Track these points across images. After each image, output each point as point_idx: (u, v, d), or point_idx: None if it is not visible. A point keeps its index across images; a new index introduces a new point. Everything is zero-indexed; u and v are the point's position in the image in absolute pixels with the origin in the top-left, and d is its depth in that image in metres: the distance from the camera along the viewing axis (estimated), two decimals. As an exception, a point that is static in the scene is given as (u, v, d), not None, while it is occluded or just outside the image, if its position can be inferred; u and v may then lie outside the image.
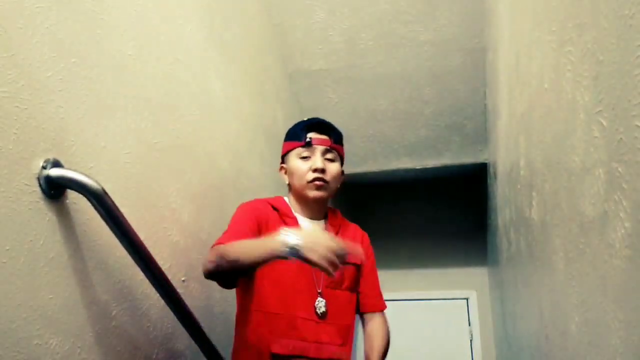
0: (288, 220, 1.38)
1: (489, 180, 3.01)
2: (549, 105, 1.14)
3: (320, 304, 1.31)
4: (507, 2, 1.71)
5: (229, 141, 1.84)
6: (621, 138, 0.72)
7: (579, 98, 0.91)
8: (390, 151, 3.13)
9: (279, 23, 2.55)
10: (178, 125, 1.44)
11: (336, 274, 1.15)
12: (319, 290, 1.32)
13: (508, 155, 1.93)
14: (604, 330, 0.82)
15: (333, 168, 1.38)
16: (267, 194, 2.21)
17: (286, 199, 1.46)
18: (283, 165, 1.45)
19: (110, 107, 1.11)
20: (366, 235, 1.51)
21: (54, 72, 0.92)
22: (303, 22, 2.55)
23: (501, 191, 2.29)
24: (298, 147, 1.38)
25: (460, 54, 2.63)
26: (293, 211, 1.41)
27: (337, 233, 1.40)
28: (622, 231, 0.72)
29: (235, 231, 1.26)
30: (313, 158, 1.36)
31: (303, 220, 1.40)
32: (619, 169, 0.73)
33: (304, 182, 1.35)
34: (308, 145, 1.36)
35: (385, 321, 1.43)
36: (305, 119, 1.42)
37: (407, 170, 3.26)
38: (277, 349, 1.25)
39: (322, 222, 1.42)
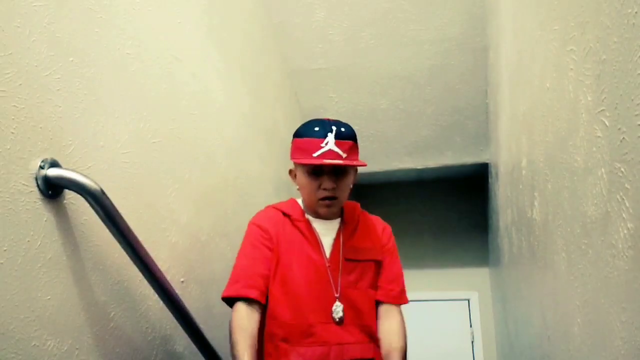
0: (300, 224, 1.34)
1: (490, 180, 3.00)
2: (551, 105, 1.14)
3: (338, 309, 1.27)
4: (509, 1, 1.70)
5: (228, 140, 1.84)
6: (624, 138, 0.71)
7: (581, 97, 0.90)
8: (391, 151, 3.12)
9: (279, 22, 2.55)
10: (177, 124, 1.43)
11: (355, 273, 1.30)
12: (336, 295, 1.28)
13: (510, 155, 1.92)
14: (607, 331, 0.81)
15: (344, 184, 1.30)
16: (266, 194, 2.21)
17: (299, 200, 1.41)
18: (292, 170, 1.37)
19: (109, 107, 1.10)
20: (388, 228, 1.45)
21: (51, 71, 0.92)
22: (303, 20, 2.54)
23: (503, 191, 2.28)
24: (304, 164, 1.27)
25: (461, 53, 2.62)
26: (305, 214, 1.36)
27: (353, 231, 1.36)
28: (625, 232, 0.72)
29: (244, 275, 1.27)
30: (322, 177, 1.27)
31: (315, 222, 1.35)
32: (622, 169, 0.72)
33: (314, 199, 1.30)
34: (317, 167, 1.26)
35: (400, 317, 1.35)
36: (316, 128, 1.26)
37: (408, 170, 3.25)
38: (295, 358, 1.23)
39: (336, 222, 1.37)
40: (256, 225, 1.34)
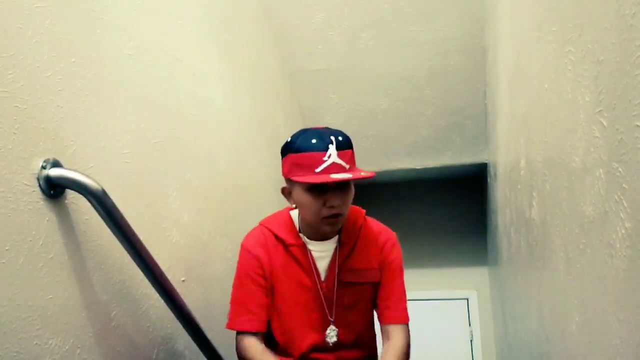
0: (294, 250, 1.26)
1: (489, 180, 3.01)
2: (550, 105, 1.14)
3: (332, 333, 1.25)
4: (508, 2, 1.71)
5: (229, 141, 1.84)
6: (621, 138, 0.71)
7: (579, 98, 0.91)
8: (390, 151, 3.13)
9: (279, 23, 2.55)
10: (178, 125, 1.43)
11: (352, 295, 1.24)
12: (331, 319, 1.25)
13: (508, 155, 1.93)
14: (604, 330, 0.81)
15: (348, 197, 1.18)
16: (266, 194, 2.22)
17: (294, 214, 1.31)
18: (286, 187, 1.22)
19: (110, 107, 1.11)
20: (390, 242, 1.33)
21: (53, 71, 0.92)
22: (303, 21, 2.55)
23: (501, 191, 2.29)
24: (310, 183, 1.13)
25: (460, 54, 2.63)
26: (301, 235, 1.27)
27: (351, 251, 1.28)
28: (623, 231, 0.72)
29: (244, 308, 1.26)
30: (327, 194, 1.14)
31: (312, 244, 1.27)
32: (620, 169, 0.73)
33: (318, 218, 1.17)
34: (325, 187, 1.14)
35: (403, 340, 1.27)
36: (314, 140, 1.12)
37: (407, 170, 3.26)
38: None
39: (333, 241, 1.27)
40: (247, 251, 1.28)
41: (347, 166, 1.13)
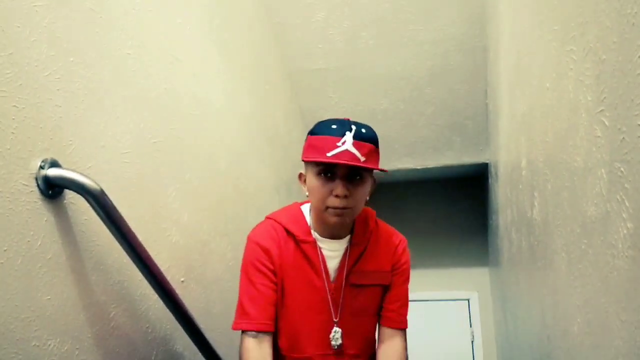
0: (305, 247, 1.21)
1: (490, 181, 3.01)
2: (551, 105, 1.14)
3: (337, 335, 1.21)
4: (508, 1, 1.71)
5: (229, 140, 1.84)
6: (623, 137, 0.71)
7: (580, 97, 0.90)
8: (391, 151, 3.13)
9: (279, 22, 2.55)
10: (177, 124, 1.43)
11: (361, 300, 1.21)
12: (335, 320, 1.22)
13: (509, 155, 1.92)
14: (607, 331, 0.81)
15: (359, 192, 1.12)
16: (266, 194, 2.21)
17: (305, 209, 1.27)
18: (302, 173, 1.20)
19: (109, 107, 1.10)
20: (402, 244, 1.30)
21: (52, 71, 0.92)
22: (303, 21, 2.54)
23: (502, 191, 2.28)
24: (313, 161, 1.11)
25: (461, 54, 2.62)
26: (312, 231, 1.22)
27: (362, 252, 1.24)
28: (625, 231, 0.72)
29: (255, 306, 1.17)
30: (335, 181, 1.11)
31: (323, 242, 1.22)
32: (622, 169, 0.72)
33: (323, 206, 1.13)
34: (329, 169, 1.11)
35: (403, 343, 1.26)
36: (334, 126, 1.11)
37: (408, 171, 3.26)
38: None
39: (345, 241, 1.23)
40: (256, 244, 1.21)
41: (363, 158, 1.08)
